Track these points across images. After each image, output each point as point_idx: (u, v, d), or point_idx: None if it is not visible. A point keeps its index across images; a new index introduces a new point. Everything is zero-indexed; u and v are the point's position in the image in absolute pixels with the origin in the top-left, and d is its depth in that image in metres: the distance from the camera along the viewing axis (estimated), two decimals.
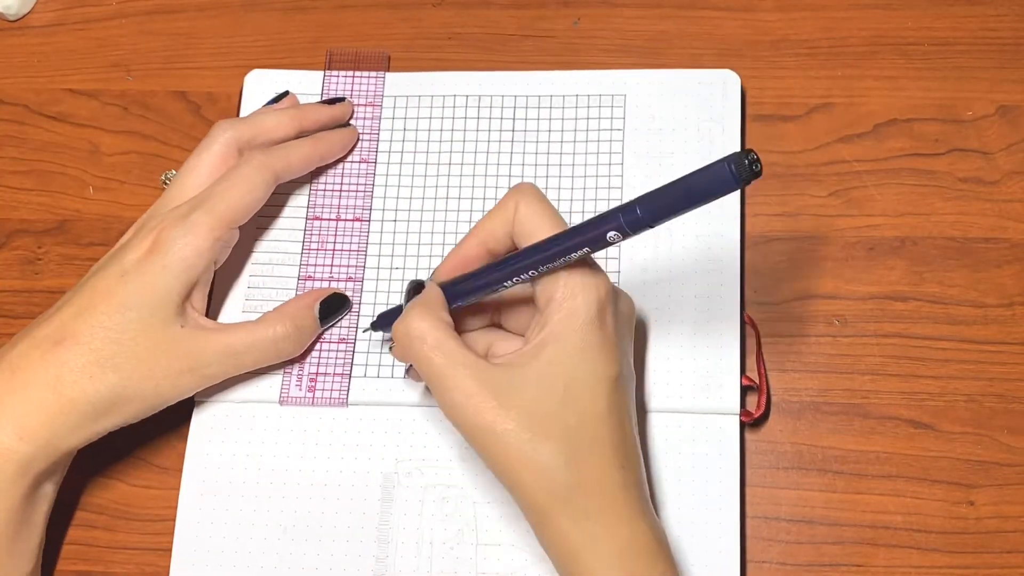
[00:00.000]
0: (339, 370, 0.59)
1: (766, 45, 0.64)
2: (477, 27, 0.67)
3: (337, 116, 0.63)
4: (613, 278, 0.59)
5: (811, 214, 0.61)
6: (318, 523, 0.57)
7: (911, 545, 0.55)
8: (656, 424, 0.57)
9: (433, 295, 0.52)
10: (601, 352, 0.50)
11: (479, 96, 0.64)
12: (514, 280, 0.51)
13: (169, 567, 0.57)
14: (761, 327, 0.59)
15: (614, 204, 0.60)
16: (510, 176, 0.62)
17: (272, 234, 0.62)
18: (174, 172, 0.61)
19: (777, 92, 0.63)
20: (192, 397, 0.59)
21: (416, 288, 0.53)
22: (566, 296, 0.50)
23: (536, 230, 0.50)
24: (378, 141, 0.63)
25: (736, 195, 0.60)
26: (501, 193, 0.62)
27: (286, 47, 0.67)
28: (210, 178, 0.58)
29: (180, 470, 0.59)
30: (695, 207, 0.45)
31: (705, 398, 0.57)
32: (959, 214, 0.60)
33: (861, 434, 0.57)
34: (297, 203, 0.62)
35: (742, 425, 0.57)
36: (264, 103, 0.63)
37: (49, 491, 0.56)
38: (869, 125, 0.62)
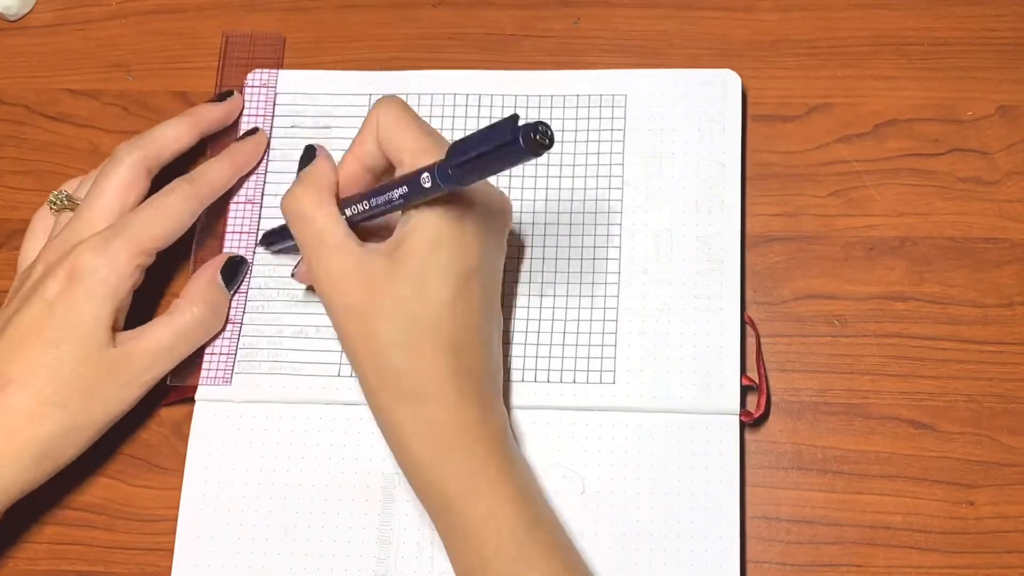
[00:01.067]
0: (225, 350, 0.60)
1: (766, 45, 0.64)
2: (477, 27, 0.67)
3: (231, 111, 0.64)
4: (613, 278, 0.60)
5: (811, 214, 0.61)
6: (319, 523, 0.57)
7: (911, 545, 0.55)
8: (656, 424, 0.57)
9: (322, 170, 0.55)
10: (456, 246, 0.52)
11: (479, 95, 0.64)
12: (353, 210, 0.54)
13: (169, 567, 0.57)
14: (761, 327, 0.59)
15: (615, 204, 0.61)
16: (510, 176, 0.62)
17: None
18: (65, 192, 0.61)
19: (777, 92, 0.63)
20: (193, 398, 0.59)
21: (308, 154, 0.56)
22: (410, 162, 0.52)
23: (396, 138, 0.53)
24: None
25: (736, 195, 0.60)
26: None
27: (286, 47, 0.67)
28: (118, 201, 0.58)
29: (180, 470, 0.59)
30: (491, 166, 0.47)
31: (705, 398, 0.57)
32: (959, 214, 0.60)
33: (861, 434, 0.57)
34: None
35: (742, 425, 0.57)
36: (212, 100, 0.64)
37: None
38: (869, 125, 0.62)
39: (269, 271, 0.62)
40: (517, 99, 0.64)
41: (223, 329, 0.60)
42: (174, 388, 0.60)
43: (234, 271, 0.61)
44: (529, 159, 0.46)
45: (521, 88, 0.64)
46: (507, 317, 0.59)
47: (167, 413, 0.61)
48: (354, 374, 0.55)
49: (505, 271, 0.58)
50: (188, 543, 0.57)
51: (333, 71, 0.65)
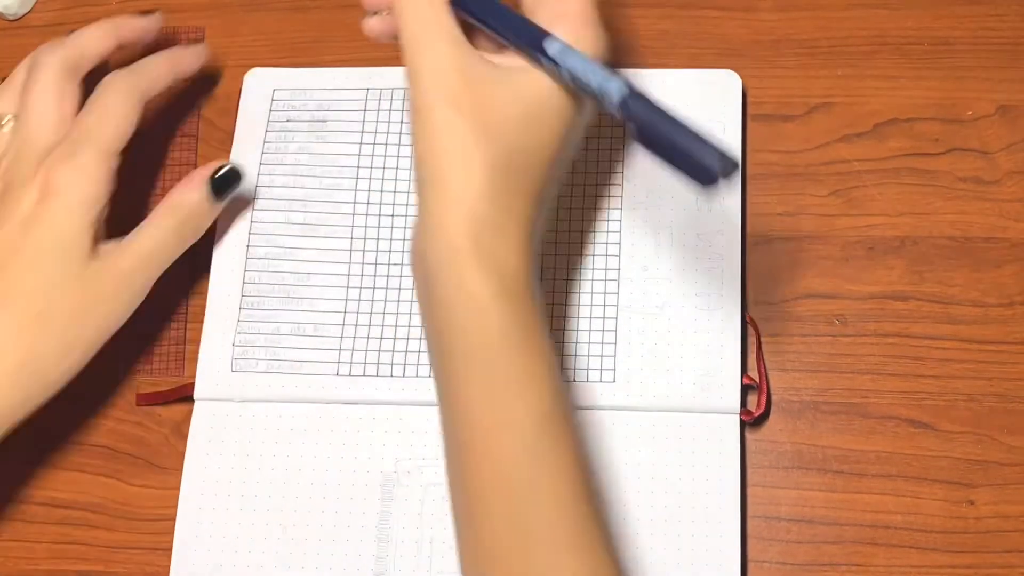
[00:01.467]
0: (172, 345, 0.61)
1: (766, 45, 0.64)
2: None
3: (151, 28, 0.62)
4: (612, 275, 0.60)
5: (811, 214, 0.61)
6: (318, 523, 0.57)
7: (911, 545, 0.55)
8: (656, 423, 0.57)
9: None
10: (576, 94, 0.49)
11: None
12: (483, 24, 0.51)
13: (169, 567, 0.57)
14: (761, 327, 0.59)
15: (615, 202, 0.61)
16: None
17: None
18: (9, 116, 0.59)
19: (777, 92, 0.63)
20: (192, 397, 0.59)
21: None
22: (567, 29, 0.49)
23: (559, 9, 0.50)
24: (360, 140, 0.63)
25: (737, 194, 0.60)
26: None
27: (286, 47, 0.67)
28: (56, 108, 0.57)
29: (180, 470, 0.59)
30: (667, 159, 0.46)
31: (705, 397, 0.57)
32: (959, 214, 0.60)
33: (861, 434, 0.57)
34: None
35: (742, 424, 0.57)
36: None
37: None
38: (869, 125, 0.62)
39: (263, 266, 0.62)
40: None
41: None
42: (174, 389, 0.60)
43: (224, 181, 0.59)
44: (707, 189, 0.44)
45: None
46: None
47: (166, 413, 0.61)
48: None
49: None
50: (186, 542, 0.57)
51: (330, 68, 0.65)
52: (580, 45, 0.49)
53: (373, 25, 0.56)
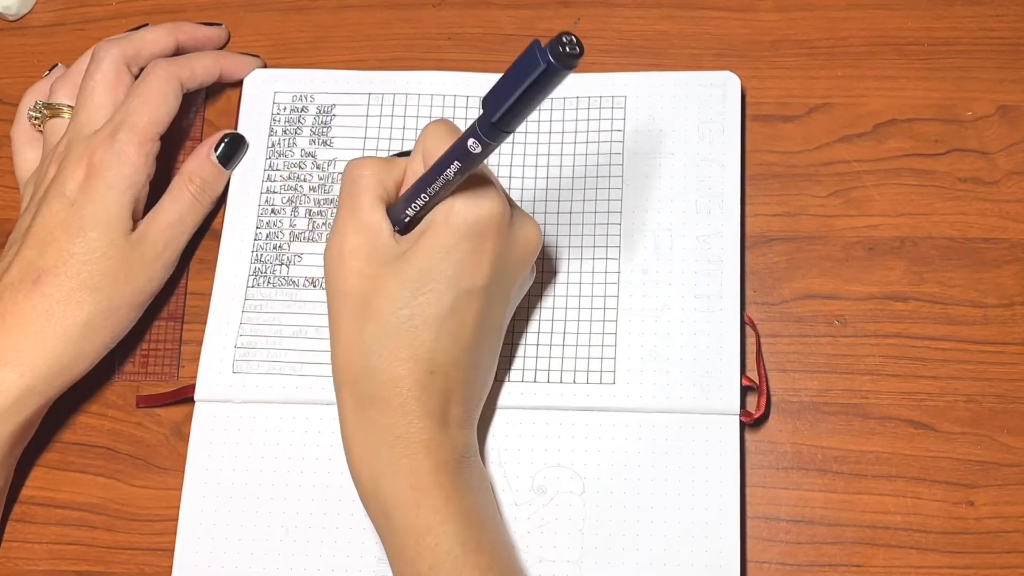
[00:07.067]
0: (169, 345, 0.61)
1: (766, 45, 0.64)
2: (477, 27, 0.67)
3: (212, 37, 0.66)
4: (612, 277, 0.60)
5: (811, 214, 0.61)
6: (320, 523, 0.57)
7: (911, 545, 0.55)
8: (656, 424, 0.57)
9: (400, 163, 0.54)
10: (467, 260, 0.51)
11: (479, 97, 0.64)
12: (414, 207, 0.52)
13: (169, 567, 0.57)
14: (761, 327, 0.59)
15: (614, 205, 0.61)
16: (510, 177, 0.62)
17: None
18: (40, 102, 0.63)
19: (777, 92, 0.63)
20: (192, 398, 0.59)
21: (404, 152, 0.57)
22: (453, 199, 0.51)
23: (442, 148, 0.51)
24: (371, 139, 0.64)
25: (736, 195, 0.60)
26: None
27: (286, 47, 0.67)
28: (110, 97, 0.61)
29: (180, 470, 0.59)
30: (534, 100, 0.45)
31: (705, 398, 0.57)
32: (959, 214, 0.60)
33: (861, 434, 0.57)
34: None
35: (742, 425, 0.57)
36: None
37: (29, 435, 0.59)
38: (869, 125, 0.62)
39: (266, 268, 0.62)
40: None
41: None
42: (175, 390, 0.60)
43: (231, 148, 0.63)
44: (566, 75, 0.43)
45: None
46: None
47: (166, 414, 0.61)
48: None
49: None
50: (189, 543, 0.57)
51: (332, 70, 0.65)
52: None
53: None
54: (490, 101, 0.46)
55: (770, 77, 0.64)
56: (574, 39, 0.43)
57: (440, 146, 0.51)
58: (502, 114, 0.46)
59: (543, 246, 0.61)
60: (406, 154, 0.55)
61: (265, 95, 0.65)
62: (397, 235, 0.52)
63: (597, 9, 0.66)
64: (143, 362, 0.62)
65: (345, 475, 0.57)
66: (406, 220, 0.53)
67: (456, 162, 0.49)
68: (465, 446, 0.53)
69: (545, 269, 0.60)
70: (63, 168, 0.59)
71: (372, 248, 0.52)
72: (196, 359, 0.60)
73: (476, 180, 0.51)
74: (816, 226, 0.61)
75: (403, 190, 0.54)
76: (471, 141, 0.48)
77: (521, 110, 0.45)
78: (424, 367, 0.51)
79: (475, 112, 0.64)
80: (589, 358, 0.58)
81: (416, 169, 0.53)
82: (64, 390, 0.59)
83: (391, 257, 0.51)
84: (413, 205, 0.52)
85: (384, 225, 0.52)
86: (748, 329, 0.59)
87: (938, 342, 0.58)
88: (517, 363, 0.59)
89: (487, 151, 0.48)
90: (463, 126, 0.63)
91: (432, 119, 0.63)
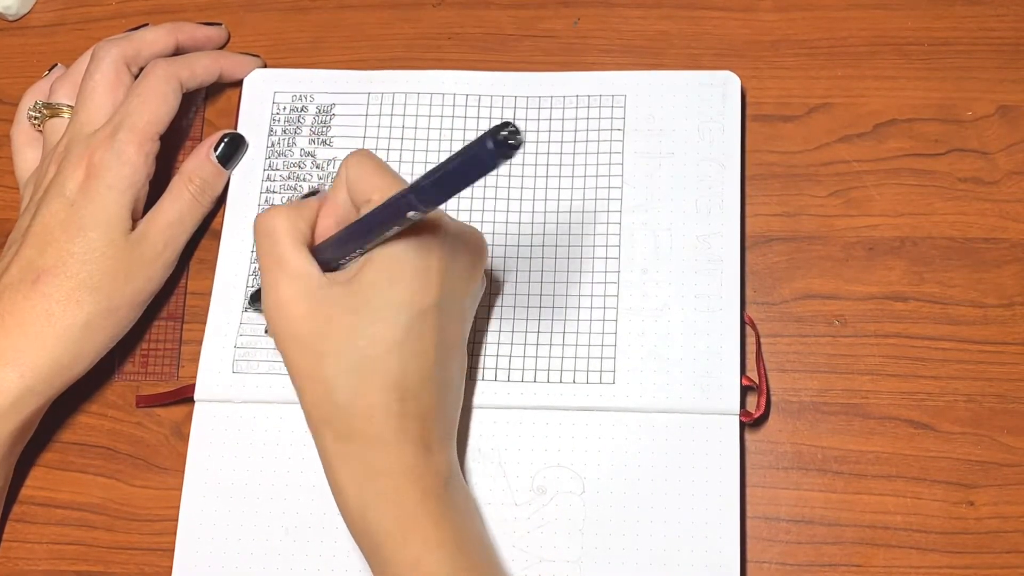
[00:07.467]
0: (169, 345, 0.61)
1: (766, 45, 0.64)
2: (477, 27, 0.67)
3: (212, 37, 0.66)
4: (612, 277, 0.60)
5: (811, 214, 0.61)
6: (320, 524, 0.57)
7: (911, 545, 0.55)
8: (656, 424, 0.57)
9: (310, 204, 0.54)
10: (414, 283, 0.51)
11: (479, 96, 0.64)
12: (348, 257, 0.52)
13: (169, 567, 0.57)
14: (761, 327, 0.59)
15: (614, 204, 0.61)
16: (510, 176, 0.62)
17: None
18: (40, 102, 0.63)
19: (777, 92, 0.63)
20: (192, 398, 0.59)
21: (311, 192, 0.57)
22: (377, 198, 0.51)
23: (366, 182, 0.52)
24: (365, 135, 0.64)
25: (736, 195, 0.60)
26: (500, 194, 0.62)
27: (286, 47, 0.67)
28: (110, 96, 0.61)
29: (180, 470, 0.59)
30: (469, 183, 0.46)
31: (705, 398, 0.57)
32: (959, 214, 0.60)
33: (861, 434, 0.57)
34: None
35: (742, 425, 0.57)
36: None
37: (29, 435, 0.59)
38: (869, 125, 0.62)
39: None
40: (516, 100, 0.64)
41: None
42: (175, 390, 0.60)
43: (231, 148, 0.63)
44: (500, 162, 0.43)
45: (520, 89, 0.64)
46: (507, 317, 0.59)
47: (166, 413, 0.61)
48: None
49: (505, 272, 0.58)
50: (189, 543, 0.57)
51: (332, 70, 0.65)
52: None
53: None
54: (431, 170, 0.46)
55: (770, 77, 0.64)
56: (515, 130, 0.43)
57: (363, 177, 0.52)
58: (435, 178, 0.46)
59: (543, 246, 0.61)
60: (313, 194, 0.55)
61: (265, 95, 0.65)
62: (327, 274, 0.52)
63: (597, 9, 0.66)
64: (143, 362, 0.62)
65: None
66: (336, 267, 0.53)
67: (382, 213, 0.49)
68: (448, 467, 0.53)
69: (544, 268, 0.60)
70: (63, 168, 0.59)
71: (308, 291, 0.51)
72: (196, 359, 0.60)
73: None
74: (816, 226, 0.61)
75: (318, 226, 0.53)
76: (403, 198, 0.47)
77: (454, 180, 0.45)
78: (394, 395, 0.50)
79: (474, 110, 0.64)
80: (589, 358, 0.58)
81: (338, 198, 0.53)
82: (64, 390, 0.59)
83: (333, 295, 0.51)
84: (348, 257, 0.52)
85: (312, 268, 0.52)
86: (748, 329, 0.59)
87: (938, 342, 0.58)
88: (517, 363, 0.59)
89: (412, 211, 0.48)
90: (463, 125, 0.63)
91: (431, 118, 0.63)
